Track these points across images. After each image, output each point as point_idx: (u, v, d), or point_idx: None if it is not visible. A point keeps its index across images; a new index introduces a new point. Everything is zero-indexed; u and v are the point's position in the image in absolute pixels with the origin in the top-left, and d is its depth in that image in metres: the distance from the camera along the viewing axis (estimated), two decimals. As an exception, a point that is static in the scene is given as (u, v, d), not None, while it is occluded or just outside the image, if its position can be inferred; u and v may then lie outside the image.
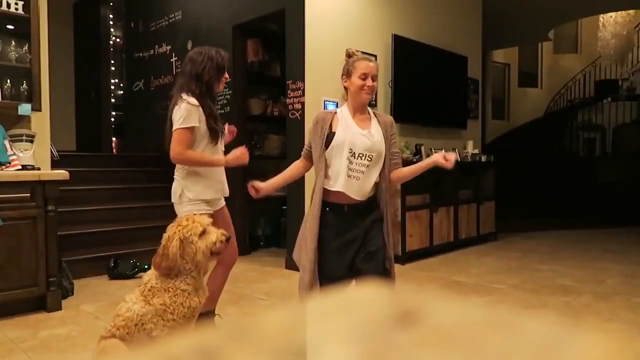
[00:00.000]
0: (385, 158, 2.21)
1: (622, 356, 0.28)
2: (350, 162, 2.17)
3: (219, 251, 1.96)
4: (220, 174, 2.56)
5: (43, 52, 3.44)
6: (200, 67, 2.46)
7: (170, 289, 1.83)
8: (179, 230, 1.87)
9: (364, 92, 2.22)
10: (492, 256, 5.00)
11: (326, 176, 2.21)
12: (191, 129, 2.36)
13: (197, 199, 2.42)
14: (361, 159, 2.18)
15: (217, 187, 2.53)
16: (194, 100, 2.37)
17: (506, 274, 4.21)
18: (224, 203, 2.64)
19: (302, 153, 2.36)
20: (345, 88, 2.27)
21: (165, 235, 1.90)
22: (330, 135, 2.20)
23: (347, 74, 2.25)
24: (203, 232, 1.90)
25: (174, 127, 2.36)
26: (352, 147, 2.17)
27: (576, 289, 3.66)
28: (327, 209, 2.20)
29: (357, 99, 2.23)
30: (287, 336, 0.32)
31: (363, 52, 2.47)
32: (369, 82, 2.21)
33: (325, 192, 2.20)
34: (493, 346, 0.29)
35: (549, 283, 3.86)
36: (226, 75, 2.57)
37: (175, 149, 2.35)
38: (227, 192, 2.62)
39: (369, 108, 2.32)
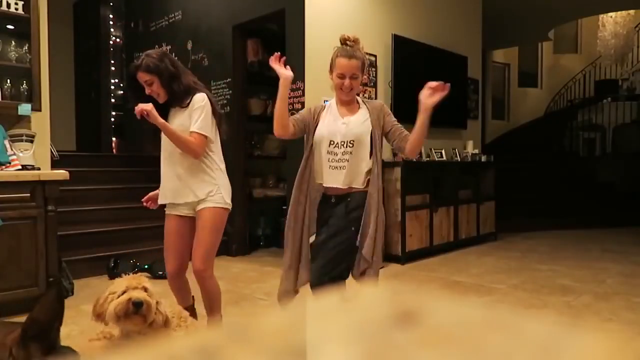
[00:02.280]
0: (372, 142, 2.19)
1: (622, 356, 0.28)
2: (334, 154, 2.19)
3: (125, 313, 1.73)
4: (164, 176, 2.36)
5: (43, 52, 3.44)
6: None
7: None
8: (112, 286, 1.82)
9: (341, 92, 2.21)
10: (492, 256, 5.00)
11: (309, 166, 2.24)
12: None
13: None
14: (343, 147, 2.18)
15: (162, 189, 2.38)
16: None
17: (506, 274, 4.21)
18: (198, 208, 2.31)
19: (292, 117, 2.32)
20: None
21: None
22: (316, 129, 2.25)
23: (330, 67, 2.24)
24: (123, 292, 1.75)
25: None
26: (332, 139, 2.19)
27: (576, 289, 3.66)
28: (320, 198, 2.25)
29: (337, 95, 2.26)
30: (287, 336, 0.32)
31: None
32: (346, 82, 2.17)
33: (312, 181, 2.24)
34: (493, 346, 0.29)
35: (549, 283, 3.86)
36: (141, 82, 2.28)
37: None
38: (174, 199, 2.32)
39: (358, 98, 2.30)
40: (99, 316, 1.77)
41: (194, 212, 2.34)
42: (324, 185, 2.22)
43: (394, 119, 2.27)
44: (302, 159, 2.29)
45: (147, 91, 2.27)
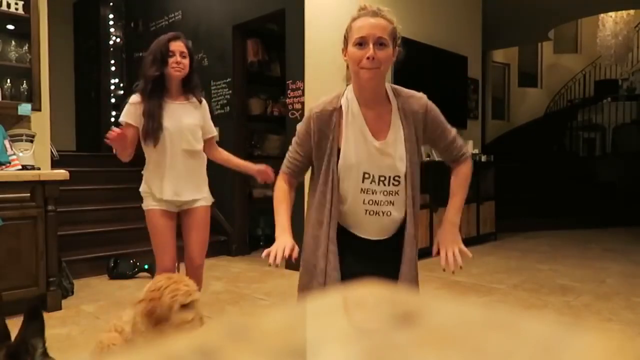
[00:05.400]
0: (414, 175, 1.51)
1: (622, 356, 0.28)
2: (372, 193, 1.48)
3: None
4: (169, 173, 2.38)
5: (43, 52, 3.44)
6: (143, 65, 2.38)
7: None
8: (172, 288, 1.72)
9: (362, 71, 1.39)
10: (492, 256, 5.00)
11: (339, 210, 1.55)
12: (126, 125, 2.35)
13: (144, 192, 2.50)
14: (385, 184, 1.47)
15: (160, 186, 2.41)
16: (134, 98, 2.34)
17: (506, 273, 4.21)
18: (194, 205, 2.44)
19: (285, 169, 1.68)
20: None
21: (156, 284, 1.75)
22: (338, 152, 1.49)
23: (344, 44, 1.51)
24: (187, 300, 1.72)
25: None
26: (367, 171, 1.47)
27: (576, 289, 3.66)
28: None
29: (357, 81, 1.46)
30: (287, 336, 0.31)
31: None
32: (369, 50, 1.37)
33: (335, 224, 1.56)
34: (493, 346, 0.29)
35: (549, 283, 3.86)
36: (173, 49, 2.30)
37: None
38: (182, 196, 2.40)
39: (389, 88, 1.52)
40: (159, 320, 1.65)
41: (177, 208, 2.48)
42: (360, 235, 1.55)
43: (441, 120, 1.55)
44: (315, 191, 1.58)
45: (177, 59, 2.31)
